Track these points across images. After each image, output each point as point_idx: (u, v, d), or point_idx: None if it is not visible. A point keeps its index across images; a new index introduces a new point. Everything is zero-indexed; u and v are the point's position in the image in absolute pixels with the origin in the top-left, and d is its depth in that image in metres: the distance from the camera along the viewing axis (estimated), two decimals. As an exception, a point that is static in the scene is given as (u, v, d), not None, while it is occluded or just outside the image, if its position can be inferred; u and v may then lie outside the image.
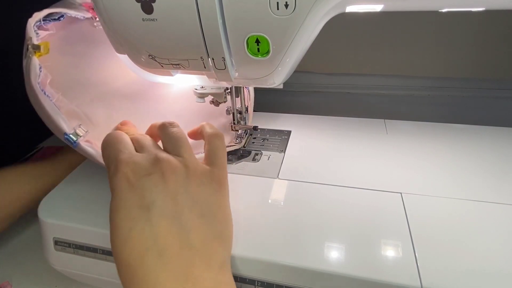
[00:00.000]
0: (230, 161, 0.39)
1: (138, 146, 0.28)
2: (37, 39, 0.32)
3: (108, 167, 0.26)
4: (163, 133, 0.29)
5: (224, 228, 0.26)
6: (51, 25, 0.35)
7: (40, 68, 0.32)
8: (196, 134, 0.32)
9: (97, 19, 0.38)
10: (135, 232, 0.23)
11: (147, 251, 0.22)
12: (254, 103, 0.45)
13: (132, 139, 0.29)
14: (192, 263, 0.23)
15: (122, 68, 0.40)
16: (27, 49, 0.32)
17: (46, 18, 0.34)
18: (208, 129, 0.31)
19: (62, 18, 0.36)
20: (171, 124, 0.29)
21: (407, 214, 0.31)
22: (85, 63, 0.39)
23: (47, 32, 0.34)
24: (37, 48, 0.32)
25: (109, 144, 0.27)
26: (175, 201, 0.24)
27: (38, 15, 0.34)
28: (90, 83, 0.39)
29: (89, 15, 0.38)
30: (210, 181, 0.27)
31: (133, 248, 0.23)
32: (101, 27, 0.40)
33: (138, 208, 0.24)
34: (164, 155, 0.26)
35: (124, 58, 0.32)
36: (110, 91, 0.41)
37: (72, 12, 0.36)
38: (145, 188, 0.24)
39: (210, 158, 0.29)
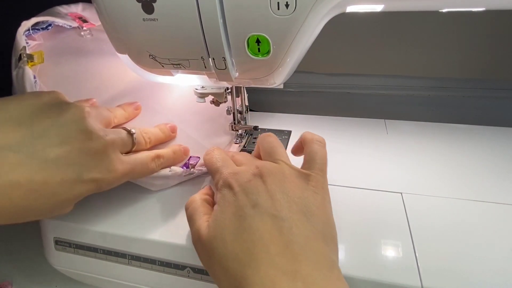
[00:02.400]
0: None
1: (238, 164, 0.31)
2: (27, 49, 0.32)
3: (216, 182, 0.29)
4: (260, 144, 0.32)
5: (326, 229, 0.26)
6: (39, 35, 0.35)
7: (35, 78, 0.31)
8: (299, 147, 0.33)
9: (84, 27, 0.39)
10: (244, 227, 0.24)
11: (255, 245, 0.23)
12: (254, 103, 0.45)
13: (233, 160, 0.32)
14: (298, 261, 0.23)
15: (114, 76, 0.40)
16: (19, 59, 0.32)
17: (34, 27, 0.34)
18: (308, 135, 0.32)
19: (50, 27, 0.36)
20: (268, 135, 0.32)
21: (407, 214, 0.31)
22: (75, 72, 0.38)
23: (36, 42, 0.34)
24: (30, 57, 0.32)
25: (213, 163, 0.31)
26: (273, 199, 0.26)
27: (27, 24, 0.34)
28: (81, 94, 0.37)
29: (75, 24, 0.38)
30: (306, 184, 0.28)
31: (243, 242, 0.24)
32: (88, 36, 0.40)
33: (244, 207, 0.25)
34: (261, 162, 0.29)
35: (125, 58, 0.32)
36: (105, 100, 0.39)
37: (59, 21, 0.36)
38: (248, 192, 0.26)
39: (308, 163, 0.29)
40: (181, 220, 0.32)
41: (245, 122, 0.42)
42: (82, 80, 0.39)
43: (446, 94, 0.60)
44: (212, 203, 0.30)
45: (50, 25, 0.36)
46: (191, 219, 0.28)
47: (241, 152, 0.33)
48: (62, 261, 0.35)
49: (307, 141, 0.31)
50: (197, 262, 0.30)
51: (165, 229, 0.31)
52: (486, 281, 0.26)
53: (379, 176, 0.36)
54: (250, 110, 0.48)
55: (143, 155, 0.32)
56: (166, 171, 0.34)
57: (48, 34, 0.36)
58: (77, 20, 0.38)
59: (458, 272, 0.26)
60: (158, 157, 0.33)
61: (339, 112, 0.49)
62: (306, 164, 0.30)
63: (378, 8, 0.27)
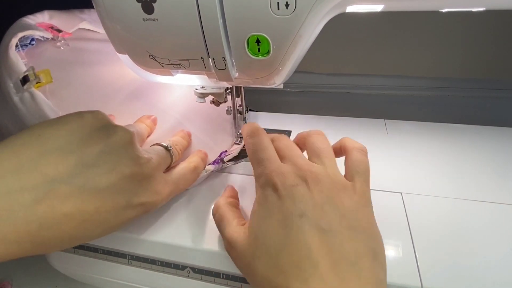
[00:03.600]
0: (230, 161, 0.39)
1: (281, 155, 0.28)
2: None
3: (258, 176, 0.27)
4: (308, 141, 0.29)
5: (375, 245, 0.24)
6: (24, 53, 0.33)
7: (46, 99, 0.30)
8: (336, 151, 0.31)
9: (59, 38, 0.37)
10: (291, 239, 0.23)
11: (303, 260, 0.22)
12: (254, 103, 0.45)
13: (275, 147, 0.29)
14: (347, 279, 0.22)
15: (111, 83, 0.39)
16: (23, 81, 0.30)
17: (17, 45, 0.32)
18: (349, 142, 0.30)
19: (33, 43, 0.34)
20: (317, 133, 0.30)
21: (407, 214, 0.31)
22: (75, 86, 0.37)
23: (24, 61, 0.32)
24: (37, 78, 0.30)
25: (257, 151, 0.28)
26: (322, 212, 0.24)
27: (12, 41, 0.31)
28: (94, 106, 0.36)
29: (49, 35, 0.35)
30: (353, 195, 0.26)
31: (289, 255, 0.22)
32: (64, 46, 0.38)
33: (291, 216, 0.24)
34: (306, 165, 0.26)
35: (125, 58, 0.32)
36: (112, 107, 0.39)
37: (38, 34, 0.34)
38: (294, 198, 0.24)
39: (351, 172, 0.27)
40: (182, 220, 0.32)
41: (245, 122, 0.42)
42: (85, 91, 0.37)
43: (446, 94, 0.60)
44: (237, 205, 0.30)
45: (33, 39, 0.34)
46: (220, 226, 0.28)
47: (282, 136, 0.31)
48: (62, 261, 0.35)
49: (349, 149, 0.29)
50: (197, 262, 0.30)
51: (165, 229, 0.31)
52: (486, 281, 0.26)
53: (379, 176, 0.36)
54: (250, 110, 0.48)
55: (184, 171, 0.33)
56: (202, 173, 0.35)
57: (30, 51, 0.33)
58: (50, 30, 0.36)
59: (458, 272, 0.26)
60: (196, 168, 0.34)
61: (339, 112, 0.49)
62: (349, 173, 0.27)
63: (378, 8, 0.27)
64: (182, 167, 0.33)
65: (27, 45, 0.33)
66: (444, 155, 0.39)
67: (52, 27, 0.36)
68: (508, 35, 0.55)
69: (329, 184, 0.25)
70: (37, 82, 0.30)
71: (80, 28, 0.41)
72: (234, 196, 0.31)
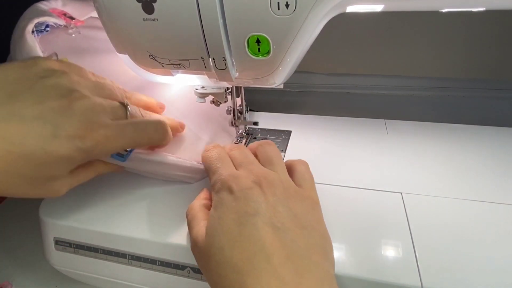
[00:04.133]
0: None
1: (236, 163, 0.30)
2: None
3: (213, 183, 0.29)
4: (260, 150, 0.32)
5: (326, 243, 0.26)
6: (39, 39, 0.33)
7: None
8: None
9: (71, 25, 0.36)
10: (244, 235, 0.24)
11: (255, 255, 0.23)
12: (254, 103, 0.45)
13: (230, 157, 0.31)
14: (300, 273, 0.22)
15: (120, 74, 0.39)
16: None
17: (32, 31, 0.32)
18: (293, 160, 0.33)
19: (48, 29, 0.34)
20: (268, 143, 0.32)
21: (407, 214, 0.31)
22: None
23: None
24: None
25: (212, 162, 0.30)
26: (275, 211, 0.25)
27: (28, 26, 0.31)
28: None
29: (62, 22, 0.35)
30: (304, 198, 0.28)
31: (243, 251, 0.23)
32: (76, 34, 0.37)
33: (244, 214, 0.25)
34: (261, 171, 0.28)
35: (125, 58, 0.32)
36: None
37: (52, 20, 0.34)
38: (248, 198, 0.26)
39: (299, 181, 0.30)
40: (182, 221, 0.32)
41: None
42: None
43: (446, 94, 0.60)
44: (210, 207, 0.29)
45: (47, 26, 0.34)
46: (189, 226, 0.28)
47: (238, 145, 0.33)
48: (62, 261, 0.35)
49: (294, 163, 0.32)
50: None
51: (165, 229, 0.31)
52: (486, 281, 0.26)
53: (379, 176, 0.36)
54: (250, 110, 0.48)
55: (139, 120, 0.30)
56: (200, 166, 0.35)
57: (43, 37, 0.33)
58: (62, 17, 0.36)
59: (458, 272, 0.26)
60: (159, 123, 0.31)
61: (339, 112, 0.49)
62: (297, 182, 0.30)
63: (378, 8, 0.27)
64: (140, 119, 0.31)
65: (41, 31, 0.33)
66: (444, 155, 0.39)
67: (65, 14, 0.36)
68: (508, 35, 0.55)
69: (282, 189, 0.27)
70: None
71: (91, 17, 0.41)
72: (209, 198, 0.31)
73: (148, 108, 0.35)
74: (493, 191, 0.34)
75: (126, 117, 0.29)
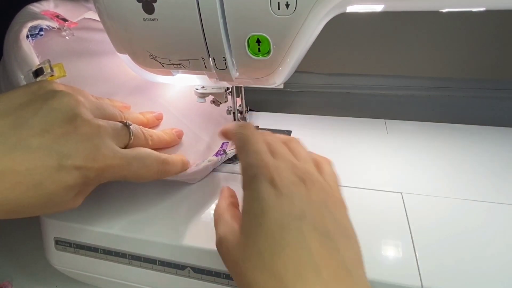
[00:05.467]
0: (230, 161, 0.39)
1: (271, 151, 0.26)
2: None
3: (248, 168, 0.24)
4: (290, 146, 0.28)
5: (360, 252, 0.23)
6: (34, 43, 0.32)
7: None
8: None
9: (65, 27, 0.36)
10: (288, 241, 0.21)
11: (303, 265, 0.20)
12: (254, 103, 0.45)
13: (264, 142, 0.27)
14: (346, 286, 0.20)
15: (116, 76, 0.39)
16: (35, 74, 0.29)
17: (27, 35, 0.31)
18: (320, 156, 0.29)
19: (42, 33, 0.33)
20: (296, 141, 0.29)
21: (407, 214, 0.31)
22: (80, 78, 0.35)
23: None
24: (52, 72, 0.30)
25: (247, 141, 0.26)
26: (320, 215, 0.22)
27: (24, 33, 0.31)
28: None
29: (55, 24, 0.35)
30: (338, 201, 0.25)
31: (287, 259, 0.20)
32: (70, 36, 0.37)
33: (289, 216, 0.21)
34: (301, 165, 0.25)
35: (125, 58, 0.32)
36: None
37: (46, 23, 0.33)
38: (293, 197, 0.22)
39: (328, 182, 0.26)
40: (181, 220, 0.32)
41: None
42: (91, 83, 0.36)
43: (446, 94, 0.60)
44: (237, 205, 0.28)
45: (41, 29, 0.33)
46: (216, 224, 0.26)
47: (268, 132, 0.29)
48: (63, 261, 0.35)
49: (319, 160, 0.29)
50: (197, 262, 0.30)
51: (165, 229, 0.31)
52: (486, 281, 0.26)
53: (379, 176, 0.36)
54: (250, 110, 0.48)
55: (144, 153, 0.30)
56: (205, 163, 0.35)
57: (37, 40, 0.33)
58: (55, 20, 0.35)
59: (458, 272, 0.26)
60: (164, 161, 0.31)
61: (339, 112, 0.49)
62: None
63: (378, 8, 0.27)
64: (145, 150, 0.30)
65: (36, 35, 0.33)
66: (444, 155, 0.39)
67: (57, 16, 0.36)
68: (508, 35, 0.55)
69: (322, 187, 0.25)
70: (51, 76, 0.30)
71: (85, 18, 0.40)
72: (233, 195, 0.29)
73: (146, 125, 0.35)
74: (493, 191, 0.34)
75: (130, 138, 0.30)
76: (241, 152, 0.26)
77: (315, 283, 0.19)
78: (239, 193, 0.33)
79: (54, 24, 0.35)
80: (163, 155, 0.31)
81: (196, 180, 0.36)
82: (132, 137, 0.30)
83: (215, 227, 0.26)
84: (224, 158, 0.38)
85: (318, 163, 0.28)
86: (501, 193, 0.33)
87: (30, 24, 0.32)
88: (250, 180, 0.24)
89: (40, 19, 0.33)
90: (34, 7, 0.35)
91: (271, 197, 0.22)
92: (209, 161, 0.36)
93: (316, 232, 0.21)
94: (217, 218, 0.26)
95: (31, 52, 0.31)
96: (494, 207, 0.32)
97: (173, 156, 0.33)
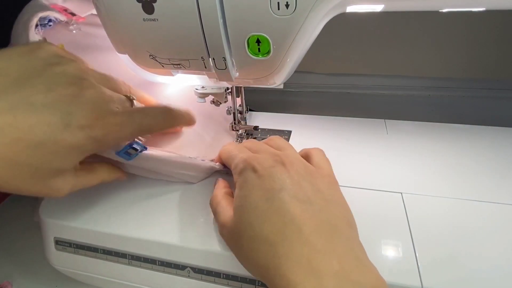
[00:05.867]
0: None
1: (253, 150, 0.31)
2: None
3: (235, 167, 0.29)
4: (270, 143, 0.32)
5: (348, 214, 0.27)
6: (42, 32, 0.33)
7: None
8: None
9: (72, 21, 0.36)
10: (272, 210, 0.24)
11: (286, 226, 0.23)
12: (254, 103, 0.45)
13: (246, 147, 0.32)
14: (332, 241, 0.23)
15: (125, 71, 0.39)
16: None
17: (36, 25, 0.32)
18: (309, 148, 0.33)
19: (50, 24, 0.33)
20: (276, 137, 0.33)
21: (407, 214, 0.31)
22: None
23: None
24: None
25: (230, 150, 0.32)
26: (300, 186, 0.26)
27: (32, 20, 0.31)
28: None
29: (63, 18, 0.35)
30: (323, 176, 0.29)
31: (273, 224, 0.24)
32: (77, 30, 0.37)
33: (271, 190, 0.25)
34: (279, 152, 0.29)
35: (125, 58, 0.32)
36: None
37: (56, 15, 0.33)
38: (272, 176, 0.26)
39: (318, 164, 0.30)
40: (182, 220, 0.32)
41: (245, 122, 0.42)
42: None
43: (446, 94, 0.60)
44: (232, 194, 0.30)
45: (50, 20, 0.33)
46: (215, 212, 0.29)
47: (250, 140, 0.34)
48: (63, 261, 0.35)
49: (310, 150, 0.33)
50: (197, 262, 0.30)
51: (165, 229, 0.31)
52: (486, 280, 0.26)
53: (379, 176, 0.36)
54: (250, 110, 0.48)
55: (149, 108, 0.30)
56: (211, 163, 0.35)
57: (45, 32, 0.33)
58: (64, 13, 0.35)
59: (458, 272, 0.26)
60: (169, 110, 0.31)
61: (339, 112, 0.49)
62: (316, 165, 0.30)
63: (378, 8, 0.27)
64: (149, 105, 0.31)
65: (45, 25, 0.33)
66: (444, 155, 0.39)
67: (65, 10, 0.36)
68: (508, 35, 0.55)
69: (303, 166, 0.28)
70: None
71: (92, 14, 0.40)
72: (227, 186, 0.32)
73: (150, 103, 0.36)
74: (493, 191, 0.34)
75: (132, 106, 0.30)
76: (227, 161, 0.31)
77: (297, 238, 0.23)
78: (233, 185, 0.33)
79: (62, 17, 0.35)
80: (163, 105, 0.32)
81: (198, 180, 0.36)
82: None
83: (214, 215, 0.29)
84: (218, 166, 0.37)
85: (307, 153, 0.32)
86: (501, 193, 0.33)
87: (40, 15, 0.32)
88: (238, 175, 0.28)
89: (49, 10, 0.34)
90: (44, 0, 0.35)
91: (254, 180, 0.26)
92: (202, 161, 0.36)
93: (296, 199, 0.25)
94: (215, 207, 0.29)
95: (34, 38, 0.31)
96: (494, 207, 0.32)
97: (177, 107, 0.33)
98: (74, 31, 0.37)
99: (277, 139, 0.33)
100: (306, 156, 0.32)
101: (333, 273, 0.21)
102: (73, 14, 0.37)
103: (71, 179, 0.27)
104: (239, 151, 0.30)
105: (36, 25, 0.32)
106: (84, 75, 0.26)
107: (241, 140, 0.43)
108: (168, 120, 0.32)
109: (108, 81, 0.30)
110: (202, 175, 0.36)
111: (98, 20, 0.41)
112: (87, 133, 0.25)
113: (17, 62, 0.24)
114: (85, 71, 0.27)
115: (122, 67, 0.39)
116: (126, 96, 0.30)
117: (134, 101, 0.31)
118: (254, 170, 0.27)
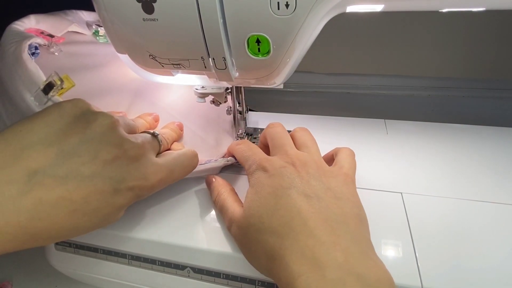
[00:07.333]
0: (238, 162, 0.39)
1: (271, 144, 0.32)
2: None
3: (248, 168, 0.30)
4: (295, 135, 0.33)
5: (360, 212, 0.27)
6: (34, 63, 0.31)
7: None
8: (329, 159, 0.34)
9: (52, 43, 0.35)
10: (281, 205, 0.25)
11: (292, 219, 0.24)
12: (254, 103, 0.45)
13: (267, 134, 0.33)
14: (336, 234, 0.23)
15: (113, 85, 0.38)
16: (45, 90, 0.29)
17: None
18: (340, 148, 0.34)
19: (38, 51, 0.32)
20: (303, 129, 0.34)
21: (407, 214, 0.31)
22: (83, 92, 0.34)
23: None
24: (62, 83, 0.29)
25: (244, 151, 0.32)
26: (309, 185, 0.27)
27: (23, 47, 0.30)
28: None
29: (44, 41, 0.34)
30: (337, 175, 0.29)
31: (280, 217, 0.25)
32: (58, 51, 0.35)
33: (280, 187, 0.26)
34: (294, 152, 0.30)
35: (125, 58, 0.32)
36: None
37: (37, 40, 0.32)
38: (282, 175, 0.27)
39: (340, 163, 0.31)
40: (181, 220, 0.32)
41: (245, 122, 0.42)
42: (88, 98, 0.35)
43: (446, 94, 0.60)
44: (234, 190, 0.32)
45: (36, 47, 0.32)
46: (223, 208, 0.30)
47: (275, 123, 0.34)
48: (62, 261, 0.35)
49: (339, 150, 0.33)
50: (197, 262, 0.30)
51: (165, 229, 0.31)
52: (486, 280, 0.26)
53: (379, 176, 0.36)
54: (250, 110, 0.48)
55: (181, 157, 0.31)
56: (221, 161, 0.35)
57: (36, 61, 0.31)
58: (41, 36, 0.34)
59: (458, 272, 0.26)
60: (195, 155, 0.33)
61: (339, 112, 0.49)
62: (338, 164, 0.31)
63: (378, 8, 0.27)
64: (178, 152, 0.32)
65: (33, 54, 0.32)
66: (444, 155, 0.39)
67: (42, 33, 0.35)
68: (508, 35, 0.55)
69: (315, 167, 0.28)
70: (61, 89, 0.30)
71: (68, 31, 0.39)
72: (228, 183, 0.33)
73: (149, 128, 0.36)
74: (493, 191, 0.34)
75: (159, 146, 0.31)
76: (242, 162, 0.32)
77: (303, 230, 0.23)
78: (239, 193, 0.33)
79: (43, 41, 0.34)
80: (190, 150, 0.33)
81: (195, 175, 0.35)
82: (161, 145, 0.32)
83: (220, 211, 0.30)
84: (231, 160, 0.37)
85: (336, 151, 0.33)
86: (501, 193, 0.33)
87: (28, 43, 0.31)
88: (251, 175, 0.29)
89: (30, 37, 0.32)
90: (18, 26, 0.34)
91: (265, 179, 0.27)
92: (215, 161, 0.36)
93: (304, 196, 0.26)
94: (222, 203, 0.30)
95: (37, 70, 0.30)
96: (494, 207, 0.32)
97: (190, 149, 0.34)
98: (56, 53, 0.36)
99: (302, 133, 0.33)
100: (335, 154, 0.33)
101: (337, 265, 0.21)
102: (51, 36, 0.35)
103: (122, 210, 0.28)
104: (253, 153, 0.31)
105: (30, 54, 0.31)
106: (120, 131, 0.27)
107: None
108: (194, 166, 0.33)
109: (127, 124, 0.31)
110: (216, 172, 0.36)
111: (76, 37, 0.40)
112: (136, 193, 0.27)
113: (56, 128, 0.25)
114: (118, 123, 0.27)
115: (111, 83, 0.38)
116: (149, 133, 0.31)
117: (158, 136, 0.31)
118: (265, 170, 0.28)
